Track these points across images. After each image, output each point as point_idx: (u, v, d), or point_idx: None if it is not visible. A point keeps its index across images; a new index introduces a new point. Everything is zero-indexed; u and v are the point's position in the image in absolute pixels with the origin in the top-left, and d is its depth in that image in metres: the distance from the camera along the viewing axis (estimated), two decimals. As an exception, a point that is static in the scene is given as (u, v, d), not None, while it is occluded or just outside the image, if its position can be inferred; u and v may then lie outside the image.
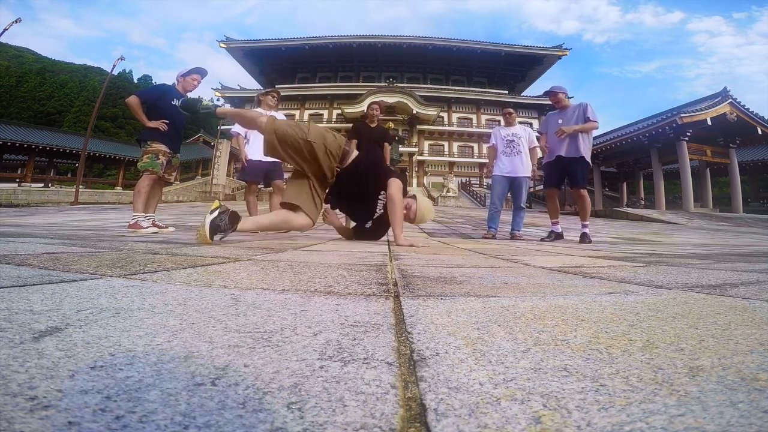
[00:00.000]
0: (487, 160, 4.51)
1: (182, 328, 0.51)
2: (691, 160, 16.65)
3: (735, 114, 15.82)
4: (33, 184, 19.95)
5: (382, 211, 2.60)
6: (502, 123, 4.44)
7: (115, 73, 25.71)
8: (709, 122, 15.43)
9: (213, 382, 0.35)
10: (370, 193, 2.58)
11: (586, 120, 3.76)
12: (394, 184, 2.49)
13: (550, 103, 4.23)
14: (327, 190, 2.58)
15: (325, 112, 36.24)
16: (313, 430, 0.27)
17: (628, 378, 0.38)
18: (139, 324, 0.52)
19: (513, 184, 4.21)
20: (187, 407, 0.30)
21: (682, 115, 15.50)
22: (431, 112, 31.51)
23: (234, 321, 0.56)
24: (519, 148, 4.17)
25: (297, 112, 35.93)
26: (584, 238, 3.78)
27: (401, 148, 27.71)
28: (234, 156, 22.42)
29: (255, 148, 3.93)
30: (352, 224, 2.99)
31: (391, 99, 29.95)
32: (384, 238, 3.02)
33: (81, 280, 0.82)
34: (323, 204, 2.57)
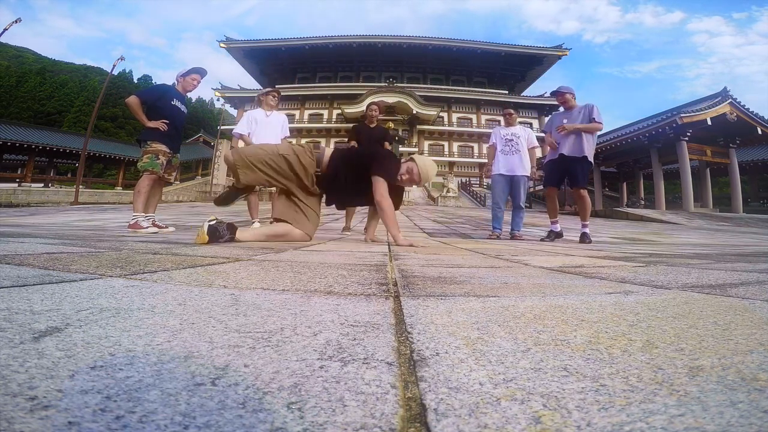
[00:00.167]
0: (486, 160, 4.51)
1: (182, 328, 0.51)
2: (691, 160, 16.66)
3: (735, 114, 15.82)
4: (33, 184, 19.98)
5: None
6: (503, 123, 4.45)
7: (115, 73, 25.73)
8: (709, 122, 15.44)
9: (213, 382, 0.35)
10: (367, 188, 2.52)
11: (591, 121, 3.76)
12: (379, 188, 2.37)
13: (549, 103, 4.23)
14: (323, 197, 2.58)
15: (325, 112, 36.24)
16: (313, 430, 0.27)
17: (628, 378, 0.38)
18: (139, 324, 0.52)
19: (511, 182, 4.21)
20: (187, 407, 0.30)
21: (682, 115, 15.50)
22: (431, 112, 31.48)
23: (234, 321, 0.56)
24: (518, 147, 4.18)
25: (297, 112, 35.93)
26: (584, 238, 3.79)
27: (401, 148, 27.74)
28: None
29: None
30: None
31: (391, 99, 29.93)
32: (384, 238, 3.01)
33: (81, 280, 0.82)
34: (318, 215, 2.55)
